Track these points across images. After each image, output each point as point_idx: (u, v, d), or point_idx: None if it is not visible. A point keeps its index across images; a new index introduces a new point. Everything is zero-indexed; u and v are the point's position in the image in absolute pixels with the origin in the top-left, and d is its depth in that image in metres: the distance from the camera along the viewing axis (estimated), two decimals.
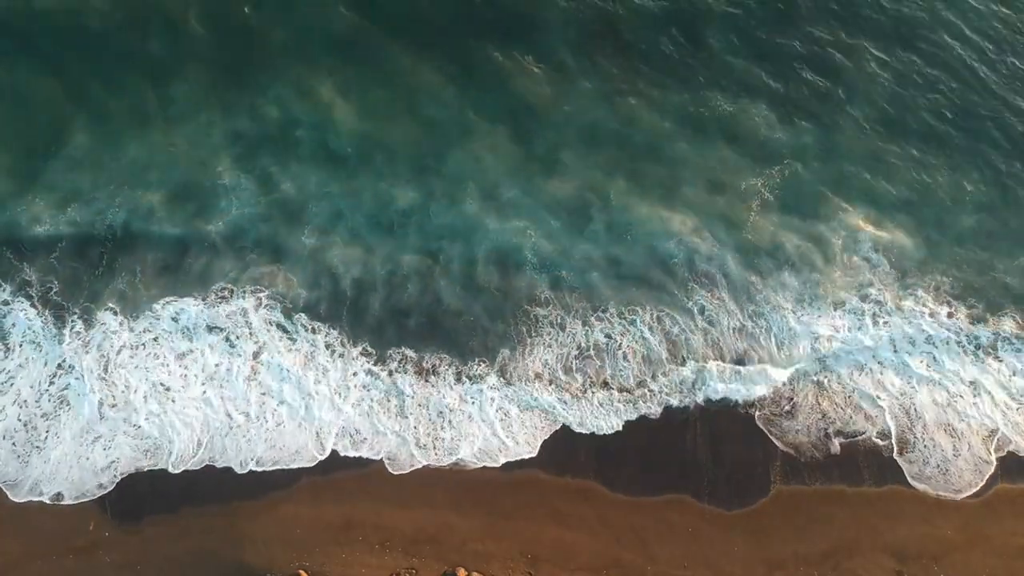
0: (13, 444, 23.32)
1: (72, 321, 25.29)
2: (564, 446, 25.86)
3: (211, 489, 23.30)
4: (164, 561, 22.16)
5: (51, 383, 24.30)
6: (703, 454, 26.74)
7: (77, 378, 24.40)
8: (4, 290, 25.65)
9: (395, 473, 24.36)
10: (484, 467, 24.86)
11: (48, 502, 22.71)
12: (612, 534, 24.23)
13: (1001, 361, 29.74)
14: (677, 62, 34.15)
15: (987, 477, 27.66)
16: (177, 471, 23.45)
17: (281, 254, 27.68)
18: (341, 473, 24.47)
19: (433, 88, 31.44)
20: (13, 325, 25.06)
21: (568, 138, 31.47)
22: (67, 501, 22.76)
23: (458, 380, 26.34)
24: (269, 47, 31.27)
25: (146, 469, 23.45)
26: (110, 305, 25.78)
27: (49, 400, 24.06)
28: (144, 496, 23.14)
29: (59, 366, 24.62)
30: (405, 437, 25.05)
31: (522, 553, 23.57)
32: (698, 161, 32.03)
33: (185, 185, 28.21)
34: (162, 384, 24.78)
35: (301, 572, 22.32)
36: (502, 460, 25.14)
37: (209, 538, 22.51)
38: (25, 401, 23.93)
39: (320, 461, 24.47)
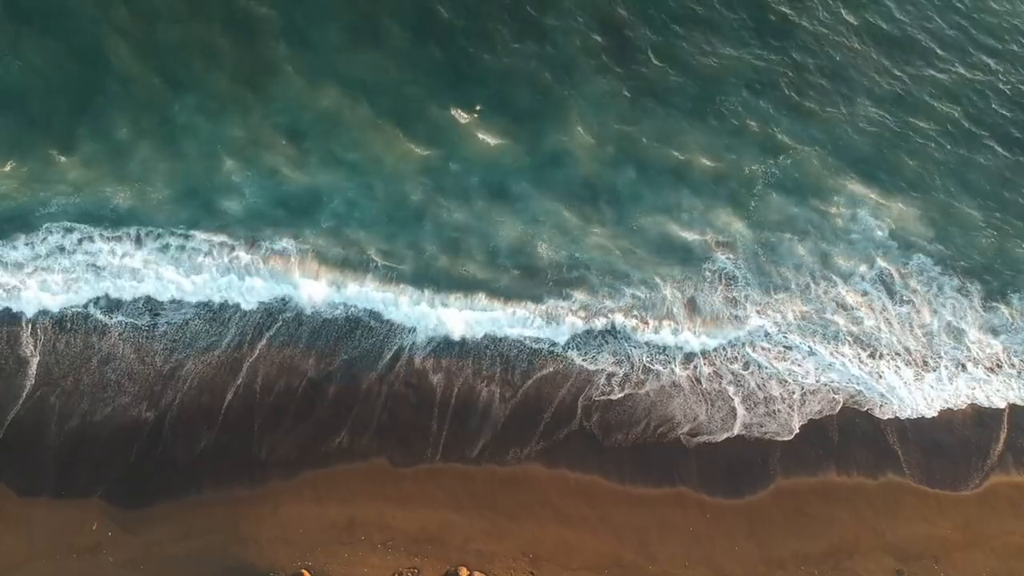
0: None
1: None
2: (565, 441, 25.95)
3: (214, 489, 23.22)
4: (166, 560, 22.15)
5: None
6: (703, 447, 26.87)
7: None
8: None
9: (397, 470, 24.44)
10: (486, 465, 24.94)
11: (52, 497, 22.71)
12: (614, 533, 24.36)
13: None
14: (683, 55, 33.44)
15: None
16: None
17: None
18: (343, 468, 24.39)
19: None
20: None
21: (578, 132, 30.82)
22: None
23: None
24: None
25: None
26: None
27: None
28: (146, 496, 23.05)
29: None
30: None
31: (524, 552, 23.69)
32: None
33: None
34: None
35: (304, 571, 22.40)
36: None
37: (212, 538, 22.50)
38: None
39: (320, 455, 24.38)
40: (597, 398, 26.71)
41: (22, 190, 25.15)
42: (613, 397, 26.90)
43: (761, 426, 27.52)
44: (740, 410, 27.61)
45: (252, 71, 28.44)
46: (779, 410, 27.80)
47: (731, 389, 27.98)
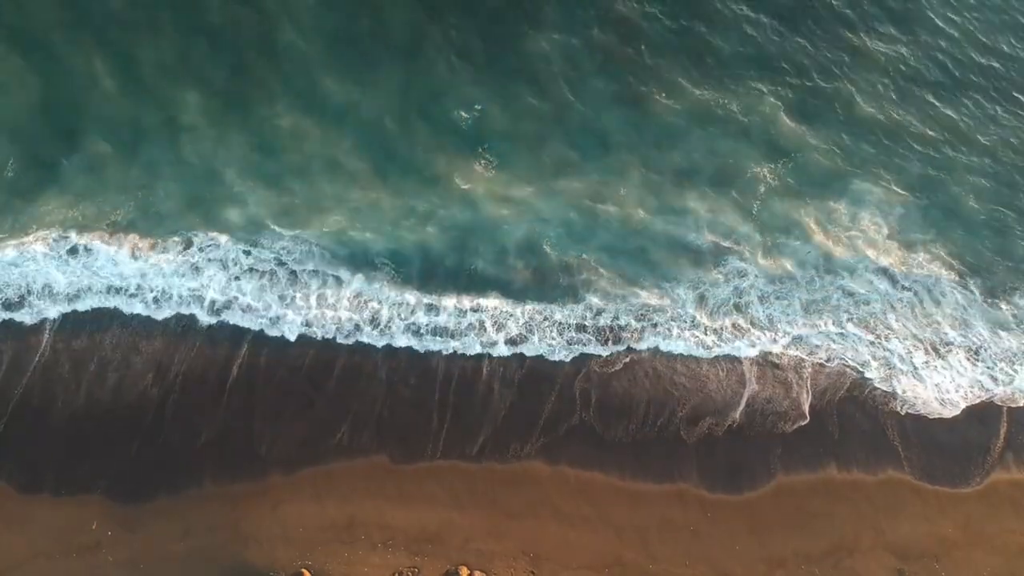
0: None
1: None
2: (565, 436, 25.92)
3: (214, 488, 23.18)
4: (166, 560, 22.15)
5: None
6: (704, 442, 26.84)
7: None
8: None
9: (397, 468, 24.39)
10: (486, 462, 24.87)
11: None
12: (614, 532, 24.33)
13: None
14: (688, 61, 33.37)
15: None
16: None
17: None
18: (342, 464, 24.31)
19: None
20: None
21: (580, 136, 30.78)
22: None
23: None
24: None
25: None
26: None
27: None
28: (146, 495, 23.02)
29: None
30: None
31: (524, 551, 23.66)
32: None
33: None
34: None
35: (304, 571, 22.40)
36: None
37: (211, 537, 22.48)
38: None
39: (319, 451, 24.29)
40: (598, 370, 26.72)
41: (23, 195, 25.31)
42: (615, 369, 26.93)
43: (769, 402, 27.50)
44: (748, 374, 27.68)
45: (244, 88, 28.66)
46: (789, 378, 27.85)
47: (742, 346, 28.41)
